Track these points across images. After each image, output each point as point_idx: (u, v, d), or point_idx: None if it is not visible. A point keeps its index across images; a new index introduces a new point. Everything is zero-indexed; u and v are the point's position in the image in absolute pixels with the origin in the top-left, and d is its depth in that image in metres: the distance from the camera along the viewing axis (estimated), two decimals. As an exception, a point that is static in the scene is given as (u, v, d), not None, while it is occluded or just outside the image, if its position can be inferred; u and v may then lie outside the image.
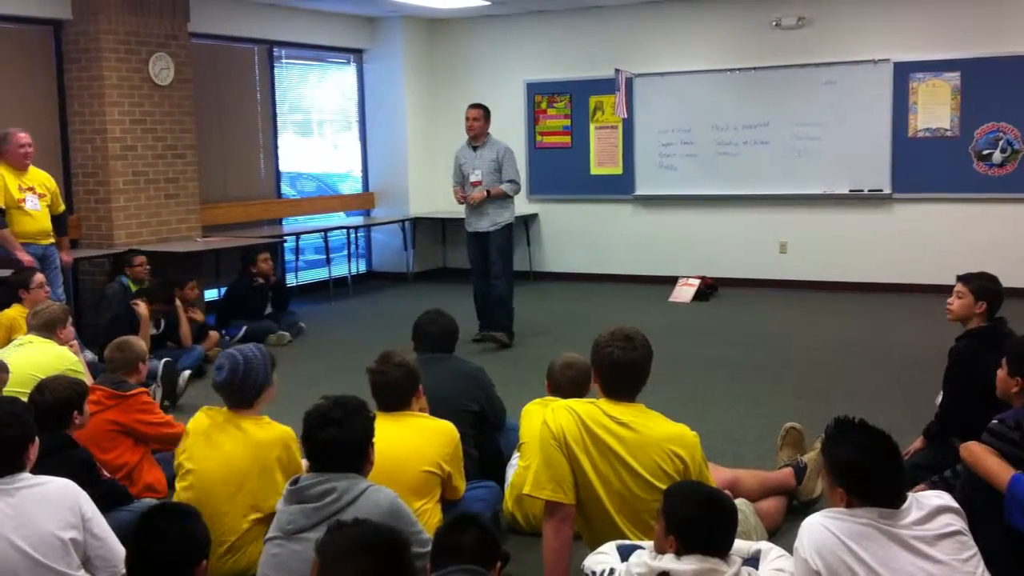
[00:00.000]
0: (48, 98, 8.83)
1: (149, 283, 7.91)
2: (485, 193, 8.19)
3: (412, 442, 3.80)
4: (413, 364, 4.00)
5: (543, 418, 3.48)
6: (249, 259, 8.98)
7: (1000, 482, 3.33)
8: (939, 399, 4.79)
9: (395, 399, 3.90)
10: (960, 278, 4.76)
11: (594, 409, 3.42)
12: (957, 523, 2.81)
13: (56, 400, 4.00)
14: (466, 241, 8.64)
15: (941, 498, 2.88)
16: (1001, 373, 3.78)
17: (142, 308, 7.18)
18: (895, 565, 2.72)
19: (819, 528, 2.79)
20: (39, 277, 6.55)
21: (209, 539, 2.73)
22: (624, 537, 3.27)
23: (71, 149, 8.90)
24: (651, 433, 3.36)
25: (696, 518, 2.80)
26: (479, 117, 8.21)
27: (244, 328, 8.45)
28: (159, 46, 9.05)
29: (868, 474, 2.79)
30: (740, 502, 3.80)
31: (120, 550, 3.09)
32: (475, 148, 8.32)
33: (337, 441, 3.15)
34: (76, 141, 8.87)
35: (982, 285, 4.65)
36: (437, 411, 4.10)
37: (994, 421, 3.63)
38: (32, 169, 7.55)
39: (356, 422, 3.20)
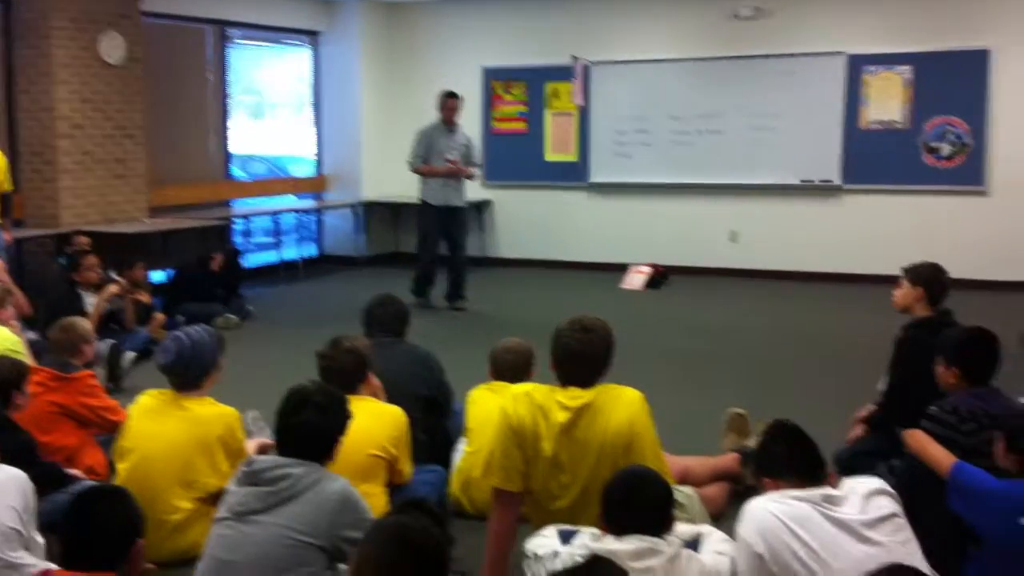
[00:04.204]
0: (-6, 75, 8.68)
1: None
2: (471, 171, 9.23)
3: (359, 425, 3.75)
4: (362, 350, 3.99)
5: (503, 405, 3.47)
6: (206, 258, 8.87)
7: (943, 469, 3.39)
8: (880, 385, 4.85)
9: (343, 384, 3.88)
10: (902, 268, 4.84)
11: (550, 397, 3.42)
12: (891, 506, 2.89)
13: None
14: (427, 216, 9.24)
15: (875, 482, 2.96)
16: (939, 368, 3.85)
17: (113, 288, 7.13)
18: (836, 548, 2.77)
19: (762, 511, 2.83)
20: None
21: (143, 519, 2.71)
22: (573, 522, 3.28)
23: (17, 127, 8.75)
24: (600, 420, 3.35)
25: (616, 497, 2.83)
26: (456, 106, 9.12)
27: (181, 319, 8.29)
28: (110, 24, 8.91)
29: (781, 455, 3.00)
30: (685, 488, 3.84)
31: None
32: (451, 131, 9.13)
33: (311, 427, 3.13)
34: (23, 120, 8.72)
35: (917, 271, 4.73)
36: (388, 395, 4.09)
37: (933, 407, 3.71)
38: None
39: (336, 414, 3.20)
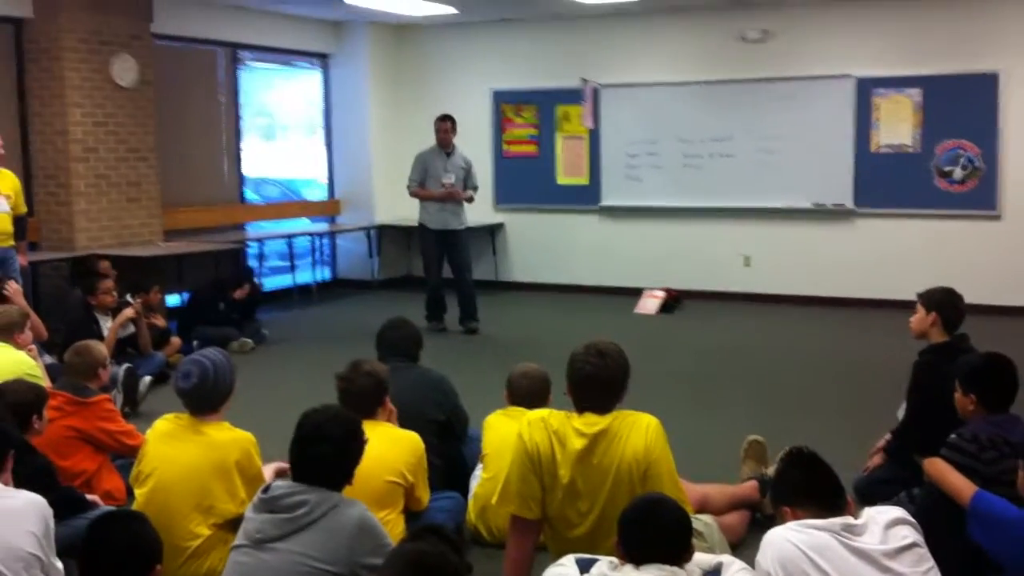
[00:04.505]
0: (8, 98, 8.72)
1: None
2: (469, 195, 9.28)
3: (376, 451, 3.75)
4: (382, 374, 3.99)
5: (519, 431, 3.46)
6: (230, 285, 8.87)
7: (963, 498, 3.38)
8: (900, 412, 4.83)
9: (361, 408, 3.88)
10: (917, 294, 4.82)
11: (566, 424, 3.40)
12: (913, 535, 2.85)
13: (17, 404, 3.94)
14: (427, 240, 9.37)
15: (896, 511, 2.93)
16: (957, 395, 3.84)
17: (129, 312, 7.16)
18: (856, 578, 2.74)
19: (782, 540, 2.80)
20: (13, 284, 6.48)
21: (160, 544, 2.72)
22: (591, 550, 3.26)
23: (31, 151, 8.79)
24: (616, 447, 3.34)
25: (633, 525, 2.81)
26: (449, 129, 9.23)
27: (195, 343, 8.27)
28: (122, 47, 8.96)
29: (799, 482, 2.94)
30: (704, 516, 3.81)
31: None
32: (448, 154, 9.23)
33: (327, 457, 3.12)
34: (37, 142, 8.76)
35: (931, 296, 4.71)
36: (402, 420, 4.08)
37: (952, 436, 3.69)
38: (0, 170, 7.47)
39: (352, 442, 3.18)
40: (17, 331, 5.37)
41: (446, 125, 9.22)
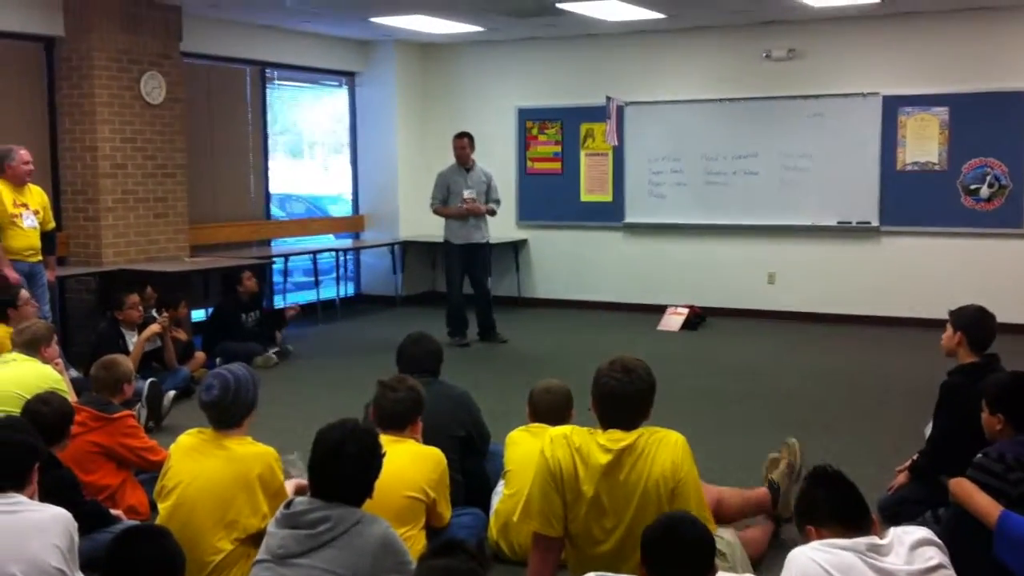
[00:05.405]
0: (39, 115, 8.81)
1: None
2: (491, 207, 9.45)
3: (397, 467, 3.75)
4: (423, 394, 3.99)
5: (541, 448, 3.45)
6: (235, 279, 8.94)
7: (989, 518, 3.35)
8: (926, 430, 4.78)
9: (396, 420, 3.88)
10: (949, 311, 4.78)
11: (590, 440, 3.40)
12: (939, 556, 2.83)
13: (47, 417, 3.98)
14: (451, 256, 9.57)
15: (922, 531, 2.90)
16: (985, 415, 3.80)
17: (155, 327, 7.25)
18: (881, 599, 2.71)
19: (806, 560, 2.78)
20: (24, 294, 6.53)
21: (183, 559, 2.72)
22: (614, 568, 3.25)
23: (61, 166, 8.87)
24: (643, 463, 3.33)
25: (657, 544, 2.80)
26: (467, 145, 9.42)
27: (218, 360, 8.29)
28: (151, 64, 9.04)
29: (823, 501, 2.91)
30: (727, 533, 3.79)
31: None
32: (468, 170, 9.41)
33: (347, 477, 3.11)
34: (66, 158, 8.84)
35: (960, 315, 4.65)
36: (423, 436, 4.08)
37: (979, 455, 3.65)
38: (29, 185, 7.54)
39: (370, 459, 3.16)
40: (44, 345, 5.42)
41: (463, 142, 9.42)
